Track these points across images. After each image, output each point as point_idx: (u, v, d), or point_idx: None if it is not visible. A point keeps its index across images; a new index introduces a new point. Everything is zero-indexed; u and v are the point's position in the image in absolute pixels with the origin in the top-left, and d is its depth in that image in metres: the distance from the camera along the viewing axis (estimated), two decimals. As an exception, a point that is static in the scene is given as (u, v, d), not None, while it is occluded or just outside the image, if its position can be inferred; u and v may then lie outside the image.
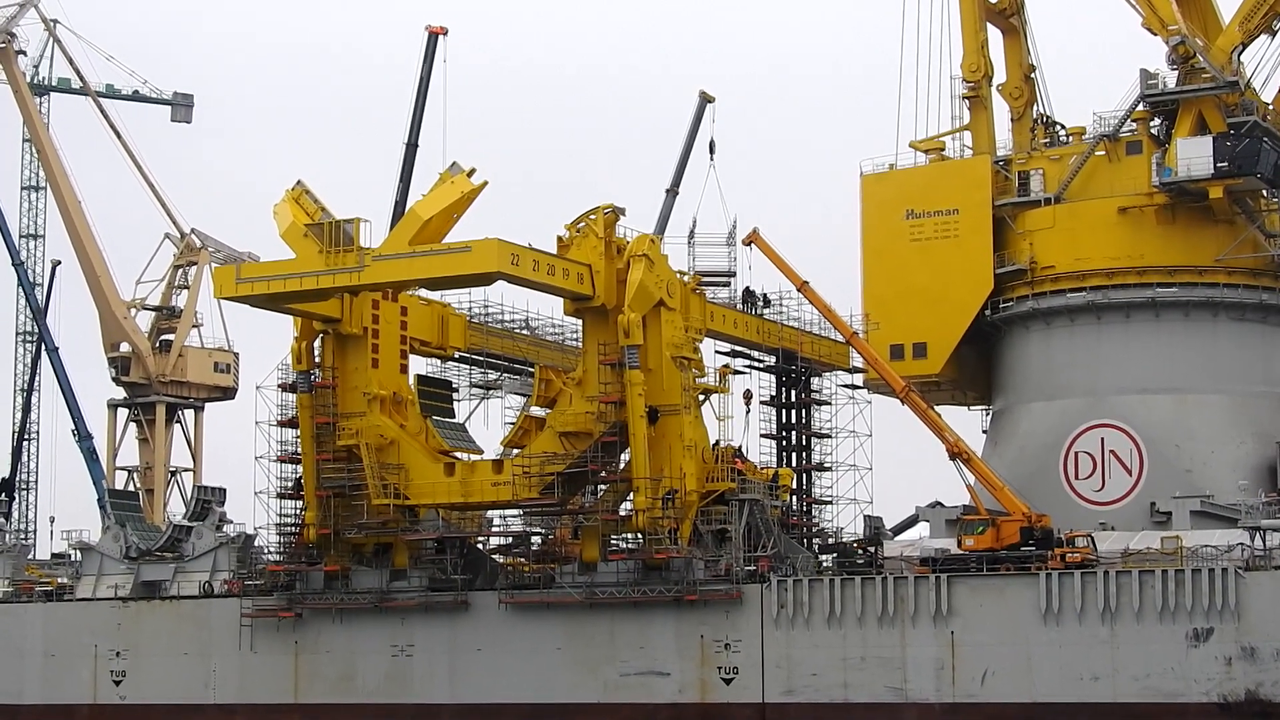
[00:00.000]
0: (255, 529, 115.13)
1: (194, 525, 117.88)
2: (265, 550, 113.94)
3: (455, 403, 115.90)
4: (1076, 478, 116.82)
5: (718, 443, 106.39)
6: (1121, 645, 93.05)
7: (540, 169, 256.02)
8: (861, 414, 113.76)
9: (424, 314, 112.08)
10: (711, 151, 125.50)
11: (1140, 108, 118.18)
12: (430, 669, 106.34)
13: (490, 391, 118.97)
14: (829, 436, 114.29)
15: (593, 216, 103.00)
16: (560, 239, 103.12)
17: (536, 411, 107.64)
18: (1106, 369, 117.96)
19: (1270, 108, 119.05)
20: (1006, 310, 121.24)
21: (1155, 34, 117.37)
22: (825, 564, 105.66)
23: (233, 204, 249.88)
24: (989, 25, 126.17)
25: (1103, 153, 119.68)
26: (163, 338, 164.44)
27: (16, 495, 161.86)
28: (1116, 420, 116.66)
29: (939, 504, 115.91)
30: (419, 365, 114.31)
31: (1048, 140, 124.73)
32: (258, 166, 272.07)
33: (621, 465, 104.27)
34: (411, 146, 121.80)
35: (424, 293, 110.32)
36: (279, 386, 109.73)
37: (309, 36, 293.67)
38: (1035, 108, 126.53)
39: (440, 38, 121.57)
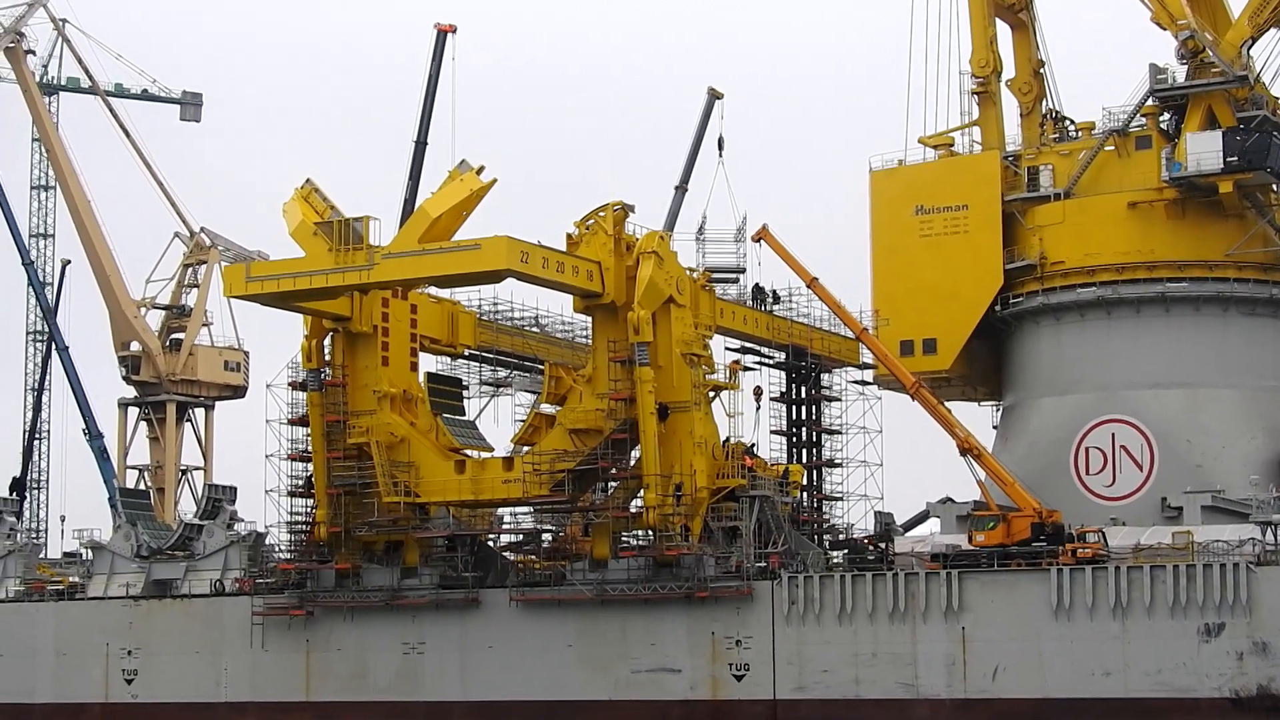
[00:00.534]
0: (266, 527, 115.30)
1: (205, 524, 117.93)
2: (276, 548, 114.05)
3: (465, 400, 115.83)
4: (1087, 473, 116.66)
5: (728, 439, 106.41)
6: (1133, 641, 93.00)
7: (548, 167, 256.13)
8: (872, 410, 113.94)
9: (434, 312, 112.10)
10: (720, 148, 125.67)
11: (1150, 103, 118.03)
12: (441, 667, 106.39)
13: (500, 389, 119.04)
14: (839, 433, 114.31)
15: (602, 214, 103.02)
16: (569, 236, 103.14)
17: (546, 409, 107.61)
18: (1117, 364, 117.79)
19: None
20: (1016, 306, 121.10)
21: (1164, 29, 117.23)
22: (836, 560, 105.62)
23: (242, 202, 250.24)
24: (998, 21, 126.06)
25: (1112, 148, 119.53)
26: (173, 336, 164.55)
27: (28, 494, 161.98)
28: (1127, 415, 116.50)
29: (950, 500, 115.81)
30: (429, 363, 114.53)
31: (1057, 135, 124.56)
32: (266, 165, 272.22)
33: (632, 462, 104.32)
34: (420, 144, 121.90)
35: (434, 290, 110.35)
36: (289, 385, 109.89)
37: (317, 35, 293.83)
38: (1044, 103, 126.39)
39: (449, 35, 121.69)
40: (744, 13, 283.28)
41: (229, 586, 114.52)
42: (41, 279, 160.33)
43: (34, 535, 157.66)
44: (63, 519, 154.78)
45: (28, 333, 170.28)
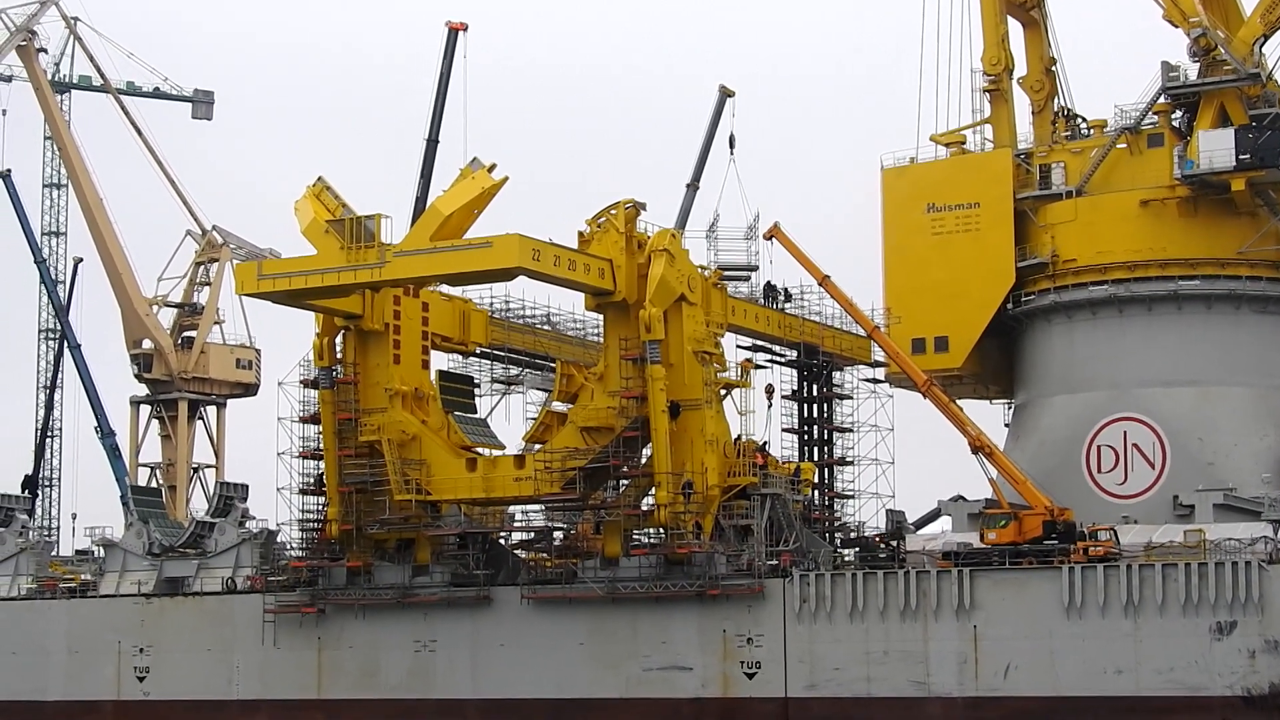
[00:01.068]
0: (278, 525, 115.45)
1: (216, 521, 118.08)
2: (288, 546, 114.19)
3: (477, 398, 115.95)
4: (1099, 471, 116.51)
5: (739, 437, 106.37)
6: (1144, 639, 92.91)
7: (559, 165, 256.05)
8: (883, 408, 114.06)
9: (445, 309, 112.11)
10: (731, 146, 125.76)
11: (1161, 100, 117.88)
12: (453, 664, 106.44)
13: (512, 387, 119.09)
14: (851, 431, 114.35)
15: (613, 211, 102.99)
16: (581, 234, 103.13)
17: (558, 407, 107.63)
18: (1129, 362, 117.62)
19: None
20: (1028, 304, 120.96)
21: (1176, 26, 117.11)
22: (847, 558, 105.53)
23: (253, 200, 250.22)
24: (1009, 18, 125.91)
25: (1124, 145, 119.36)
26: (185, 334, 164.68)
27: (40, 492, 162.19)
28: (1139, 413, 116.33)
29: (961, 498, 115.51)
30: (440, 361, 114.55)
31: (1069, 133, 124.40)
32: (278, 163, 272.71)
33: (643, 460, 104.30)
34: (432, 142, 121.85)
35: (445, 288, 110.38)
36: (301, 383, 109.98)
37: (329, 33, 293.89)
38: (1056, 101, 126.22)
39: (460, 34, 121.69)
40: (754, 10, 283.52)
41: (241, 584, 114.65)
42: (54, 277, 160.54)
43: (46, 533, 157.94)
44: (74, 517, 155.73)
45: (40, 331, 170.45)
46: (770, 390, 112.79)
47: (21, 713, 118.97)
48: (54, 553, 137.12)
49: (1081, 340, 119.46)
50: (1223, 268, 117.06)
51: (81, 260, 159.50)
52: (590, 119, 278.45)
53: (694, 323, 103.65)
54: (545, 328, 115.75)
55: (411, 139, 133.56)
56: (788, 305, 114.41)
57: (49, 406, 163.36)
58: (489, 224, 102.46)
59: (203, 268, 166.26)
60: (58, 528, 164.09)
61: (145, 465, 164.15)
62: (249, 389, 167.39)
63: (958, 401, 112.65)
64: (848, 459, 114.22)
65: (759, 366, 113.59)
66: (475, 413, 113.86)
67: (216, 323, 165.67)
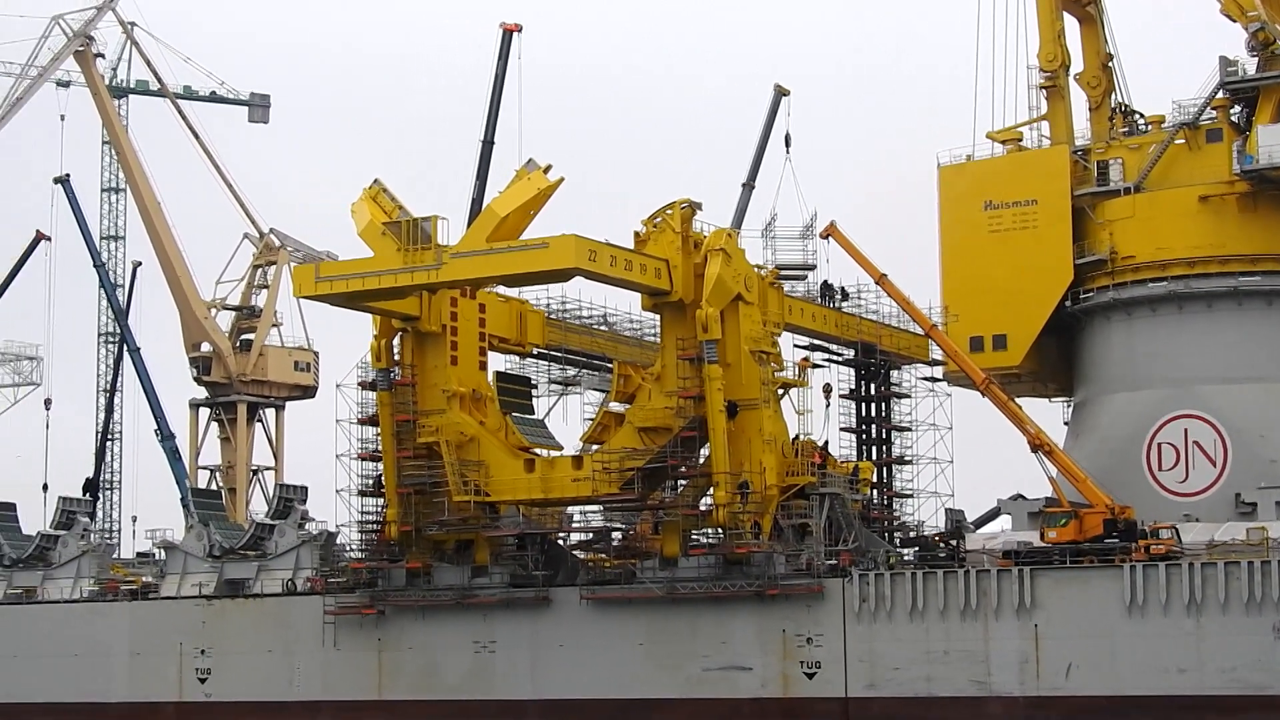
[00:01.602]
0: (337, 526, 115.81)
1: (276, 523, 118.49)
2: (347, 548, 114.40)
3: (534, 399, 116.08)
4: (1160, 469, 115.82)
5: (797, 436, 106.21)
6: (1207, 637, 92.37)
7: (615, 165, 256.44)
8: (941, 407, 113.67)
9: (502, 311, 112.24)
10: (787, 145, 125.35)
11: (1220, 95, 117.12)
12: (512, 665, 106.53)
13: (569, 387, 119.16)
14: (909, 430, 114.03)
15: (669, 211, 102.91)
16: (637, 234, 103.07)
17: (615, 407, 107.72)
18: (1189, 359, 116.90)
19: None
20: (1087, 301, 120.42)
21: (1234, 20, 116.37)
22: (906, 557, 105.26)
23: (310, 203, 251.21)
24: (1065, 14, 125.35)
25: (1182, 141, 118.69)
26: (243, 337, 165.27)
27: (101, 495, 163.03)
28: (1200, 410, 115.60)
29: (1021, 497, 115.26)
30: (498, 362, 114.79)
31: (1126, 129, 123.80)
32: (334, 165, 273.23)
33: (701, 460, 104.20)
34: (487, 144, 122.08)
35: (502, 289, 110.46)
36: (359, 385, 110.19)
37: (385, 35, 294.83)
38: (1113, 96, 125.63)
39: (514, 35, 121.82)
40: (810, 8, 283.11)
41: (301, 586, 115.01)
42: (113, 281, 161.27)
43: (107, 536, 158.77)
44: (135, 519, 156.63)
45: (100, 334, 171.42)
46: (828, 389, 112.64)
47: (85, 714, 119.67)
48: (115, 555, 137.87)
49: (1141, 337, 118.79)
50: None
51: (140, 264, 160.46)
52: (645, 119, 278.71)
53: (751, 322, 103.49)
54: (602, 328, 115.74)
55: (467, 140, 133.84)
56: (845, 304, 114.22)
57: (109, 410, 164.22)
58: (545, 225, 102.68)
59: (260, 270, 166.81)
60: (119, 530, 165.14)
61: (205, 468, 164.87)
62: (307, 391, 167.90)
63: (1016, 400, 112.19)
64: (906, 458, 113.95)
65: (816, 366, 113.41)
66: (533, 413, 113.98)
67: (274, 325, 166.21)
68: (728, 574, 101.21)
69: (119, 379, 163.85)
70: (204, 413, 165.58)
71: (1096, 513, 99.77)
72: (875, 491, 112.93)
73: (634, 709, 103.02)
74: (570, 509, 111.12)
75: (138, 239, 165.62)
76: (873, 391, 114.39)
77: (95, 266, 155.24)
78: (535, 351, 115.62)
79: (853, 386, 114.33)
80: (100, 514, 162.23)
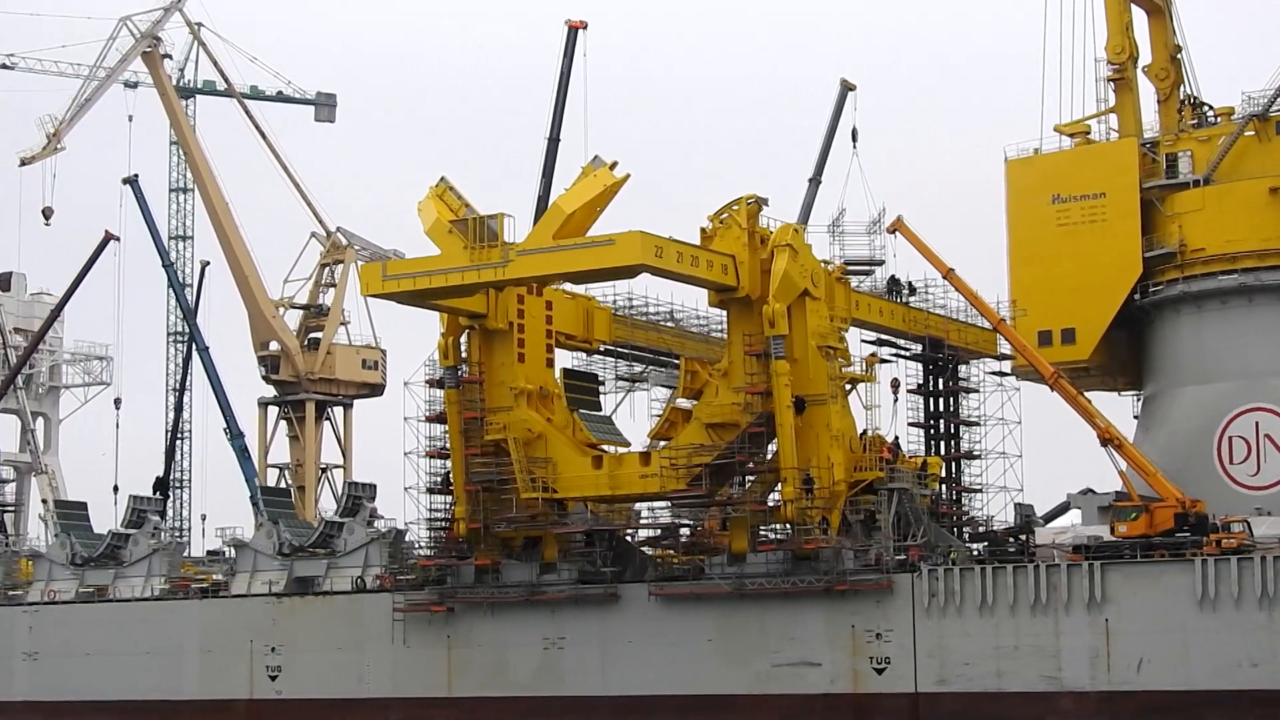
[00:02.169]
0: (406, 524, 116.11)
1: (345, 521, 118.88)
2: (416, 545, 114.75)
3: (601, 395, 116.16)
4: (1230, 462, 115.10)
5: (865, 432, 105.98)
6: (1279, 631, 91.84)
7: (680, 161, 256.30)
8: (1010, 401, 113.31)
9: (569, 307, 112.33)
10: (854, 140, 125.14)
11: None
12: (581, 661, 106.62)
13: (636, 384, 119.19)
14: (977, 424, 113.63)
15: (735, 207, 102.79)
16: (703, 230, 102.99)
17: (683, 403, 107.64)
18: (1259, 352, 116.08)
19: None
20: (1156, 294, 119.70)
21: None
22: (975, 552, 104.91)
23: (376, 202, 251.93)
24: (1133, 6, 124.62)
25: (1252, 133, 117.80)
26: (311, 336, 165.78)
27: (171, 494, 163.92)
28: (1270, 403, 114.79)
29: (1090, 491, 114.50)
30: (565, 359, 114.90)
31: (1195, 121, 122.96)
32: (401, 164, 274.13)
33: (769, 456, 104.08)
34: (553, 141, 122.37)
35: (569, 286, 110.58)
36: (426, 382, 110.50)
37: (450, 34, 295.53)
38: (1182, 89, 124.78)
39: (580, 32, 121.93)
40: (876, 2, 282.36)
41: (370, 583, 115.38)
42: (181, 280, 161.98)
43: (178, 534, 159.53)
44: (204, 518, 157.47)
45: (169, 334, 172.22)
46: (896, 384, 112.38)
47: (158, 712, 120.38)
48: (186, 553, 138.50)
49: (1211, 330, 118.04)
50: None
51: (208, 263, 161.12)
52: (711, 114, 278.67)
53: (818, 317, 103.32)
54: (668, 324, 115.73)
55: (533, 138, 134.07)
56: (912, 299, 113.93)
57: (178, 409, 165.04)
58: (611, 221, 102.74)
59: (328, 269, 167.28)
60: (189, 529, 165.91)
61: (274, 466, 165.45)
62: (375, 389, 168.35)
63: (1085, 394, 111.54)
64: (975, 453, 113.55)
65: (884, 361, 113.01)
66: (600, 410, 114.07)
67: (342, 324, 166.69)
68: (796, 570, 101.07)
69: (188, 378, 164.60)
70: (272, 411, 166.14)
71: (1167, 507, 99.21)
72: (944, 486, 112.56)
73: (703, 705, 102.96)
74: (638, 505, 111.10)
75: (206, 239, 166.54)
76: (940, 386, 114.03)
77: (164, 266, 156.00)
78: (602, 348, 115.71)
79: (920, 381, 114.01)
80: (170, 512, 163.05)
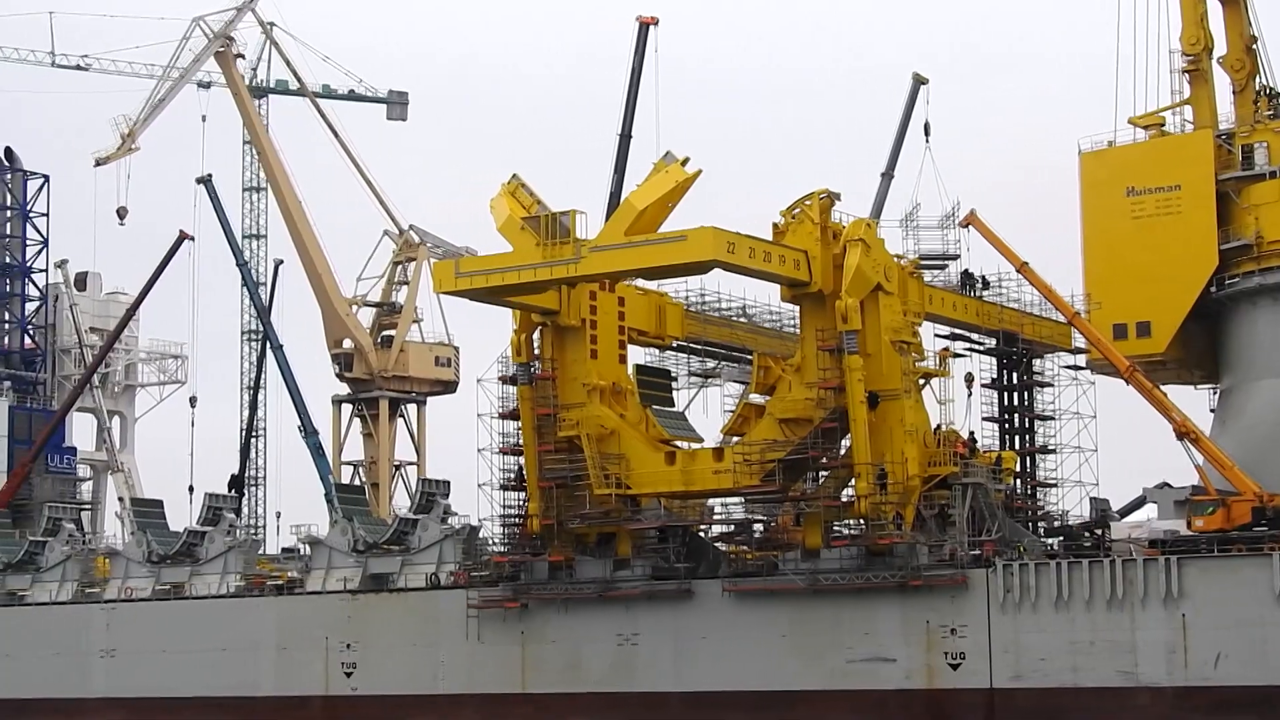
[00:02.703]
0: (479, 521, 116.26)
1: (419, 518, 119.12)
2: (490, 541, 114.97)
3: (674, 391, 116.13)
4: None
5: (939, 427, 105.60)
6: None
7: (752, 157, 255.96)
8: (1085, 395, 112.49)
9: (641, 304, 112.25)
10: (927, 133, 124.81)
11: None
12: (655, 657, 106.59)
13: (709, 380, 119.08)
14: (1052, 419, 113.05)
15: (808, 202, 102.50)
16: (775, 225, 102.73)
17: (755, 399, 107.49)
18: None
19: None
20: (1232, 286, 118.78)
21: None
22: (1050, 547, 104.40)
23: (448, 199, 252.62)
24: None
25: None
26: (384, 333, 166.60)
27: (246, 491, 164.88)
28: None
29: (1167, 485, 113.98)
30: (637, 355, 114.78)
31: (1271, 112, 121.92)
32: (472, 162, 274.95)
33: (842, 451, 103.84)
34: (625, 137, 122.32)
35: (641, 282, 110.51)
36: (499, 379, 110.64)
37: (520, 30, 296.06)
38: (1258, 79, 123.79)
39: (651, 28, 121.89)
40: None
41: (444, 580, 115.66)
42: (255, 279, 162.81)
43: (253, 531, 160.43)
44: (279, 515, 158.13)
45: (243, 332, 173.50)
46: (970, 379, 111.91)
47: (234, 708, 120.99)
48: (261, 550, 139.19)
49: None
50: None
51: (282, 262, 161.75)
52: (783, 109, 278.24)
53: (891, 312, 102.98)
54: (741, 320, 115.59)
55: (605, 134, 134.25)
56: (986, 293, 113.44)
57: (253, 407, 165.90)
58: (683, 217, 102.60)
59: (400, 267, 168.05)
60: (264, 526, 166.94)
61: (348, 463, 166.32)
62: (448, 386, 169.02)
63: (1161, 387, 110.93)
64: (1049, 447, 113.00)
65: (958, 355, 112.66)
66: (673, 406, 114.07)
67: (415, 321, 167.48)
68: (870, 565, 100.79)
69: (262, 376, 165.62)
70: (346, 409, 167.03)
71: (1245, 500, 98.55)
72: (1018, 481, 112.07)
73: (777, 701, 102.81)
74: (711, 501, 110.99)
75: (279, 237, 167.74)
76: (1015, 380, 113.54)
77: (238, 265, 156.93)
78: (675, 344, 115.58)
79: (995, 376, 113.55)
80: (245, 510, 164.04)
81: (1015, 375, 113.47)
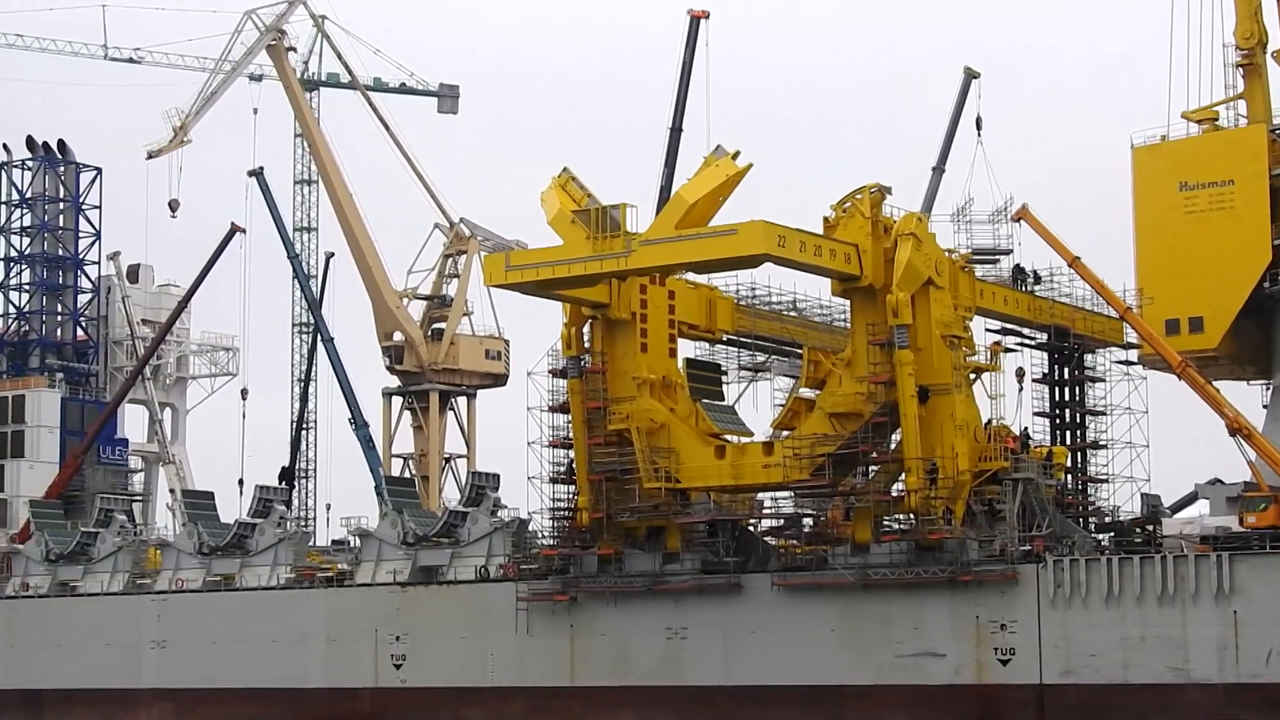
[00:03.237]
0: (529, 514, 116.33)
1: (469, 511, 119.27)
2: (539, 535, 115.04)
3: (724, 385, 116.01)
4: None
5: (990, 421, 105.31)
6: None
7: (802, 150, 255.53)
8: (1137, 390, 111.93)
9: (691, 297, 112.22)
10: (978, 128, 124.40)
11: None
12: (704, 651, 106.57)
13: (759, 374, 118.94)
14: (1104, 414, 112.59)
15: (859, 196, 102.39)
16: (826, 219, 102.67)
17: (806, 393, 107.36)
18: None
19: None
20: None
21: None
22: (1102, 543, 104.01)
23: (498, 193, 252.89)
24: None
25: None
26: (434, 326, 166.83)
27: (296, 483, 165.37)
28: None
29: (1218, 481, 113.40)
30: (687, 349, 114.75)
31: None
32: (523, 155, 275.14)
33: (893, 446, 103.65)
34: (675, 131, 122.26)
35: (691, 276, 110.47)
36: (549, 372, 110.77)
37: (570, 24, 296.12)
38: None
39: (702, 21, 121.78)
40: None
41: (494, 573, 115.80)
42: (306, 272, 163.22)
43: (303, 523, 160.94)
44: (329, 507, 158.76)
45: (294, 325, 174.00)
46: (1021, 374, 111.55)
47: (284, 699, 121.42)
48: (311, 543, 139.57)
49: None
50: None
51: (333, 255, 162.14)
52: (833, 102, 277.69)
53: (942, 307, 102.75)
54: (791, 314, 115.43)
55: (655, 128, 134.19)
56: (1037, 287, 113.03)
57: (304, 399, 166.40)
58: (733, 211, 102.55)
59: (451, 260, 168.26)
60: (314, 518, 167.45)
61: (398, 456, 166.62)
62: (499, 379, 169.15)
63: (1214, 383, 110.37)
64: (1101, 442, 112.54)
65: (1009, 350, 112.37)
66: (723, 400, 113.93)
67: (466, 314, 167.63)
68: (920, 560, 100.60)
69: (313, 369, 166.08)
70: (397, 401, 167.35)
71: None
72: (1070, 477, 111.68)
73: (825, 696, 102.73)
74: (761, 495, 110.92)
75: (330, 230, 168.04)
76: (1066, 376, 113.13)
77: (289, 258, 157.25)
78: (725, 338, 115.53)
79: (1046, 371, 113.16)
80: (296, 502, 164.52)
81: (1066, 370, 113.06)
